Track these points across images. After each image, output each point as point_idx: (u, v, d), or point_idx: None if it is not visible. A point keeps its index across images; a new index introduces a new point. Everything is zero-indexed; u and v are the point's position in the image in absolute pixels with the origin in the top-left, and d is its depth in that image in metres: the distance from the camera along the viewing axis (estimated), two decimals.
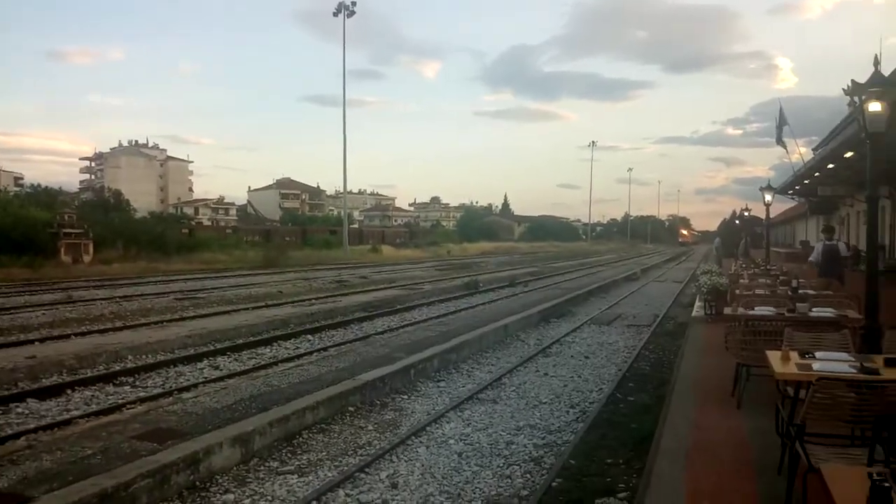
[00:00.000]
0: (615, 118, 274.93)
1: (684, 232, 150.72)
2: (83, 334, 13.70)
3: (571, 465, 6.70)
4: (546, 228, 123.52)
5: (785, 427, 4.76)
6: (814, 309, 8.57)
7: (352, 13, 53.10)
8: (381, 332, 14.89)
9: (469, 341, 12.78)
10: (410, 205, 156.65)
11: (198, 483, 6.02)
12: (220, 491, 6.00)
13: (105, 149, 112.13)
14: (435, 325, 15.04)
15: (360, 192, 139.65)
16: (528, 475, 6.56)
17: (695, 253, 79.07)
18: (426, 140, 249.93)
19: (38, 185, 59.96)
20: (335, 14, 53.36)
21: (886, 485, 2.55)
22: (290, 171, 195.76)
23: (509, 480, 6.42)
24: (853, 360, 5.26)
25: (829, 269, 13.98)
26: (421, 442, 7.47)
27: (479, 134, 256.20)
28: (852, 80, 7.39)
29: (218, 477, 6.23)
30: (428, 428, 7.96)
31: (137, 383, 10.27)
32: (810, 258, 16.01)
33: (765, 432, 5.85)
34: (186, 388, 9.69)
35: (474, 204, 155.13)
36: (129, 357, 11.83)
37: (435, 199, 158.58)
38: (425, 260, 53.00)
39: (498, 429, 8.03)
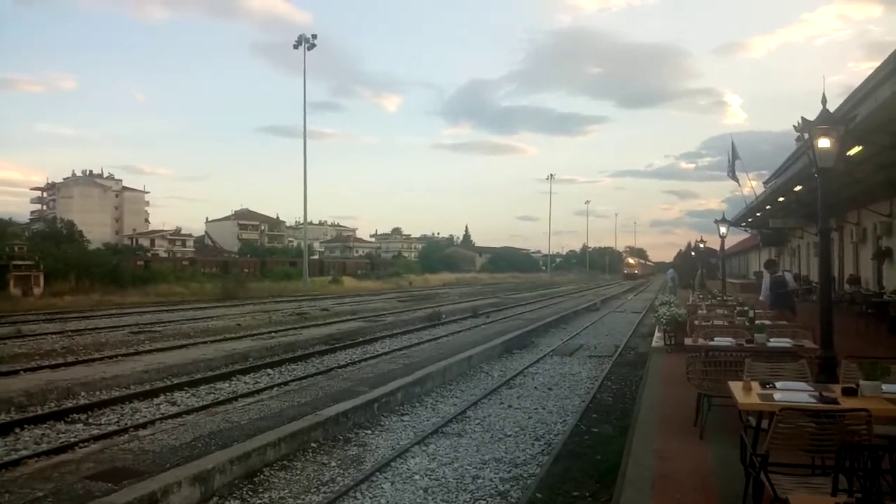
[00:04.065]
0: (572, 151, 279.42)
1: (631, 261, 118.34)
2: (33, 370, 13.22)
3: (538, 499, 6.67)
4: (507, 260, 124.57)
5: (749, 457, 4.82)
6: (771, 339, 8.77)
7: (312, 46, 53.46)
8: (344, 366, 14.71)
9: (433, 374, 12.70)
10: (371, 236, 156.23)
11: None
12: None
13: (57, 179, 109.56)
14: (398, 358, 14.92)
15: (320, 224, 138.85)
16: None
17: (651, 284, 78.58)
18: (387, 172, 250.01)
19: None
20: (295, 46, 53.62)
21: None
22: (248, 201, 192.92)
23: None
24: (812, 389, 5.38)
25: (779, 301, 14.39)
26: (386, 478, 7.36)
27: (440, 166, 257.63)
28: (802, 118, 7.64)
29: None
30: (392, 463, 7.85)
31: (91, 420, 9.93)
32: (760, 297, 16.46)
33: (728, 462, 5.93)
34: (143, 425, 9.42)
35: (435, 235, 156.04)
36: (82, 393, 11.45)
37: (396, 231, 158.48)
38: (387, 291, 52.75)
39: (464, 463, 7.97)
